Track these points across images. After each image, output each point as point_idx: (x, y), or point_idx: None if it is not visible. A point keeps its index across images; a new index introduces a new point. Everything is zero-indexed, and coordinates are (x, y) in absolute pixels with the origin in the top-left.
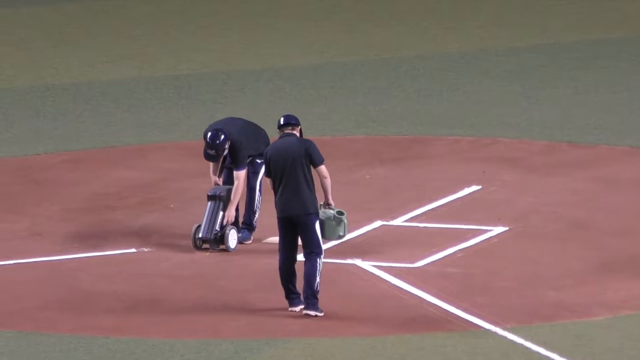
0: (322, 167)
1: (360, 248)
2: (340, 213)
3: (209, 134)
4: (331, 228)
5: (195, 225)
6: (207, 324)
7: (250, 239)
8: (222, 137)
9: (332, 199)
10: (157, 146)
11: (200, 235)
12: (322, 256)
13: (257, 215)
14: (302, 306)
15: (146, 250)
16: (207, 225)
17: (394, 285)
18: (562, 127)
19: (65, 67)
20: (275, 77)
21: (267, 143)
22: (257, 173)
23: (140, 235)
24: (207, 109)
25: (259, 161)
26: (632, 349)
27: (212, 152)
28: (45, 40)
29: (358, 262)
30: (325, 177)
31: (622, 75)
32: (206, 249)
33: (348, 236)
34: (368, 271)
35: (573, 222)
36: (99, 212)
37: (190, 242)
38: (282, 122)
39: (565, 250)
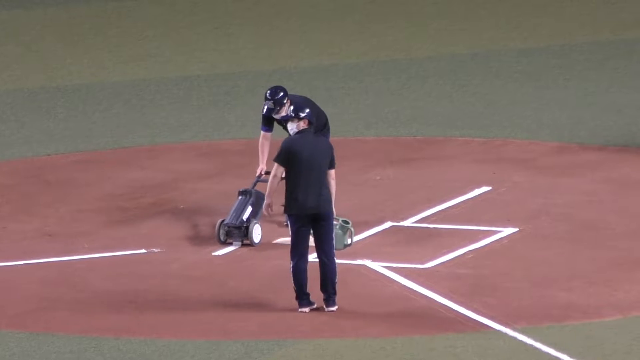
0: (334, 171)
1: (371, 249)
2: (346, 222)
3: (268, 90)
4: (338, 237)
5: (220, 220)
6: (218, 324)
7: None
8: (282, 93)
9: (337, 203)
10: (168, 147)
11: (225, 222)
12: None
13: None
14: (312, 306)
15: (156, 250)
16: (234, 214)
17: (404, 286)
18: (572, 128)
19: (76, 68)
20: (286, 77)
21: (328, 124)
22: None
23: (150, 236)
24: (218, 110)
25: None
26: None
27: (270, 104)
28: (57, 41)
29: (368, 262)
30: (334, 179)
31: (633, 76)
32: (230, 244)
33: (358, 237)
34: (378, 272)
35: (583, 223)
36: (109, 212)
37: (200, 243)
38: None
39: (575, 251)
